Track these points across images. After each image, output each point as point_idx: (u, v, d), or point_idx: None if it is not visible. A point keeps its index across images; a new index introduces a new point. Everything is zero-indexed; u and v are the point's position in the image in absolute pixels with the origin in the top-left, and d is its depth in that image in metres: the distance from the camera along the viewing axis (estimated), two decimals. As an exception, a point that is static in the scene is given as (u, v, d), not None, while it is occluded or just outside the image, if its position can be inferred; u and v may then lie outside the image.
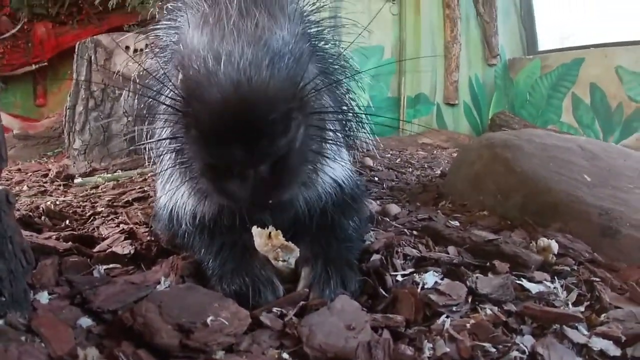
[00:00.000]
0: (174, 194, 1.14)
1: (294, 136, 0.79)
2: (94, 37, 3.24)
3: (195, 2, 0.94)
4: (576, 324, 0.81)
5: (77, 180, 2.63)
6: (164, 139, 1.09)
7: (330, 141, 1.04)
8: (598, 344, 0.75)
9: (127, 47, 3.13)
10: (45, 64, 5.01)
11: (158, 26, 1.17)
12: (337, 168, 1.16)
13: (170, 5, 1.13)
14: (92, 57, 3.09)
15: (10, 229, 0.74)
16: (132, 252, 1.18)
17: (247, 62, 0.75)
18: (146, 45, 1.63)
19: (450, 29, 5.71)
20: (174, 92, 0.88)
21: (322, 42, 1.20)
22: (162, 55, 1.17)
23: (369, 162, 2.81)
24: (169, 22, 1.11)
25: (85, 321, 0.78)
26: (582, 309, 0.89)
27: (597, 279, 1.02)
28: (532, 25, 6.24)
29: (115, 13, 4.84)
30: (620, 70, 5.02)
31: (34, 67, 4.94)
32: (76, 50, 3.23)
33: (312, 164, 0.96)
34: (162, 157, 1.17)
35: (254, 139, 0.73)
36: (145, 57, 1.37)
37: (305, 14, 1.08)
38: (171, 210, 1.18)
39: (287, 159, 0.80)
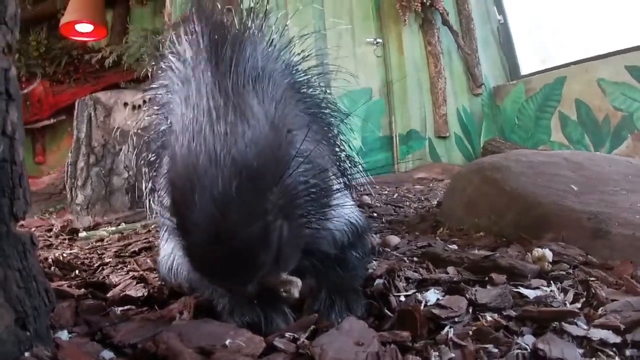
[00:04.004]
0: (173, 252, 1.20)
1: (275, 244, 0.82)
2: (93, 94, 3.35)
3: (175, 86, 0.98)
4: (574, 320, 0.84)
5: (82, 234, 2.67)
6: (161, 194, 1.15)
7: (335, 190, 1.11)
8: (597, 334, 0.78)
9: (126, 104, 3.25)
10: (52, 121, 5.09)
11: (154, 85, 1.21)
12: (345, 206, 1.21)
13: (164, 65, 1.20)
14: (92, 114, 3.19)
15: (34, 269, 0.79)
16: (145, 294, 1.22)
17: (217, 190, 0.77)
18: (144, 102, 1.68)
19: (434, 65, 5.94)
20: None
21: (311, 89, 1.26)
22: (160, 112, 1.22)
23: (367, 199, 2.88)
24: (163, 81, 1.15)
25: (108, 354, 0.81)
26: (579, 305, 0.93)
27: (593, 278, 1.06)
28: (512, 52, 6.47)
29: (112, 71, 5.01)
30: (602, 83, 5.16)
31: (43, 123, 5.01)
32: (76, 107, 3.33)
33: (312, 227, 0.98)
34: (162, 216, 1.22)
35: (237, 271, 0.79)
36: (145, 114, 1.44)
37: (292, 64, 1.15)
38: (170, 266, 1.23)
39: (278, 257, 0.83)
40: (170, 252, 1.22)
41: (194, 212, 0.78)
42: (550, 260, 1.18)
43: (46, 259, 1.83)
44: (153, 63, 1.30)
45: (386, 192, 3.79)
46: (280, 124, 0.92)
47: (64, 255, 2.04)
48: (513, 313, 0.90)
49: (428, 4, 5.77)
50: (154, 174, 1.36)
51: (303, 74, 1.22)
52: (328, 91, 1.37)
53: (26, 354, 0.72)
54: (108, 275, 1.58)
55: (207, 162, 0.80)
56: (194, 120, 0.85)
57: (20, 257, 0.75)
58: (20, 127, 0.75)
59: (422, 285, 1.15)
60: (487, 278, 1.11)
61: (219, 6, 1.14)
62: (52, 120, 5.18)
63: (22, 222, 0.78)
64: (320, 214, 1.01)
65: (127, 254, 2.00)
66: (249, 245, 0.77)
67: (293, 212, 0.88)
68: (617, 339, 0.78)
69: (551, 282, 1.07)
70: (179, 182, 0.84)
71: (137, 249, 2.06)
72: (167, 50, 1.08)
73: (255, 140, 0.83)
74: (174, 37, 1.04)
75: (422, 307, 0.97)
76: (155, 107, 1.27)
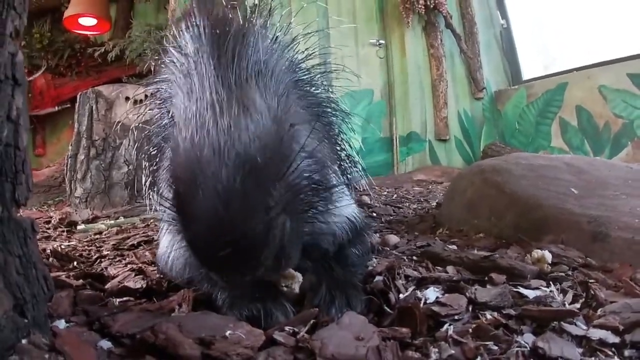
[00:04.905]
0: (170, 245, 1.20)
1: (278, 241, 0.82)
2: (95, 88, 3.35)
3: (177, 79, 0.97)
4: (574, 320, 0.85)
5: (80, 226, 2.67)
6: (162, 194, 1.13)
7: (335, 187, 1.11)
8: (596, 334, 0.78)
9: (127, 98, 3.25)
10: (57, 108, 5.09)
11: (157, 79, 1.21)
12: (345, 204, 1.22)
13: (167, 60, 1.20)
14: (94, 108, 3.19)
15: (34, 256, 0.78)
16: (144, 286, 1.21)
17: (221, 184, 0.77)
18: (146, 96, 1.68)
19: (436, 68, 5.95)
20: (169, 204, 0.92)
21: (313, 88, 1.26)
22: (163, 106, 1.22)
23: (366, 200, 2.88)
24: (167, 76, 1.17)
25: (106, 343, 0.81)
26: (578, 305, 0.93)
27: (592, 280, 1.06)
28: (514, 57, 6.48)
29: (114, 65, 5.02)
30: (604, 90, 5.17)
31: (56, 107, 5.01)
32: (78, 100, 3.34)
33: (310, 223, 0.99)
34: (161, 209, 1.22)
35: (237, 264, 0.80)
36: (146, 108, 1.44)
37: (296, 62, 1.15)
38: (168, 259, 1.23)
39: (280, 253, 0.84)
40: (168, 245, 1.22)
41: (197, 204, 0.78)
42: (550, 261, 1.19)
43: (44, 250, 1.82)
44: (156, 58, 1.30)
45: (385, 192, 3.80)
46: (283, 118, 0.92)
47: (62, 247, 2.03)
48: (513, 312, 0.90)
49: (432, 6, 5.78)
50: (155, 168, 1.36)
51: (306, 72, 1.23)
52: (330, 90, 1.37)
53: (23, 341, 0.72)
54: (106, 267, 1.57)
55: (210, 155, 0.80)
56: (197, 114, 0.85)
57: (20, 244, 0.74)
58: (25, 112, 0.75)
59: (422, 283, 1.15)
60: (486, 278, 1.11)
61: (223, 2, 1.14)
62: (56, 108, 5.18)
63: (20, 213, 0.78)
64: (321, 211, 1.01)
65: (125, 247, 1.99)
66: (250, 240, 0.78)
67: (296, 208, 0.88)
68: (616, 339, 0.78)
69: (550, 283, 1.07)
70: (181, 174, 0.84)
71: (135, 242, 2.05)
72: (169, 44, 1.08)
73: (259, 134, 0.83)
74: (176, 31, 1.04)
75: (421, 305, 0.97)
76: (157, 102, 1.27)
